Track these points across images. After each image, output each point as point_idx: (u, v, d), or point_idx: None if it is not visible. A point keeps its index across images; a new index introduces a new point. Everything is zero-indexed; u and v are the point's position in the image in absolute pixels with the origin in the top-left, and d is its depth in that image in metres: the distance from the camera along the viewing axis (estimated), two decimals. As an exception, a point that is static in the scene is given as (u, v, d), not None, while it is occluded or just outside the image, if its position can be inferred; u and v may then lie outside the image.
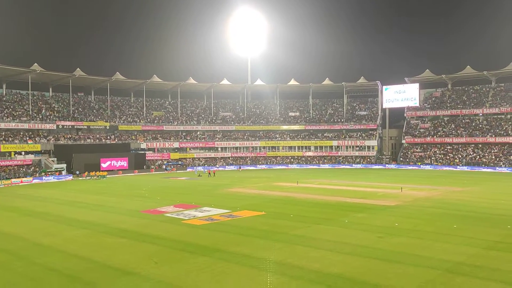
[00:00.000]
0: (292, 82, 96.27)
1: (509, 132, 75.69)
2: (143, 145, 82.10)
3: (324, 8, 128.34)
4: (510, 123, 77.56)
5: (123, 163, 73.48)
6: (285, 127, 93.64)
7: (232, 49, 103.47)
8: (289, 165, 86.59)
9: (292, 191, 42.88)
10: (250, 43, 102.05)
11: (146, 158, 79.08)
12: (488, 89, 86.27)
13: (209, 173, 66.12)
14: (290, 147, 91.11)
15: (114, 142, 79.64)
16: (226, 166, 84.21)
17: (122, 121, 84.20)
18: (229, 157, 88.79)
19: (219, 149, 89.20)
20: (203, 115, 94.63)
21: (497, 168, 70.45)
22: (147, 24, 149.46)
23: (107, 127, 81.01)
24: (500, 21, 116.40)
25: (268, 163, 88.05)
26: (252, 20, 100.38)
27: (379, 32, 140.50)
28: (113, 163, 72.29)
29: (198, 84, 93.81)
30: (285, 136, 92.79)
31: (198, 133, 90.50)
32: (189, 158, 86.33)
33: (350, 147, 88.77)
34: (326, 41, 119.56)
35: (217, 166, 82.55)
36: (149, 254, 19.23)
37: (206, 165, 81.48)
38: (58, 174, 64.94)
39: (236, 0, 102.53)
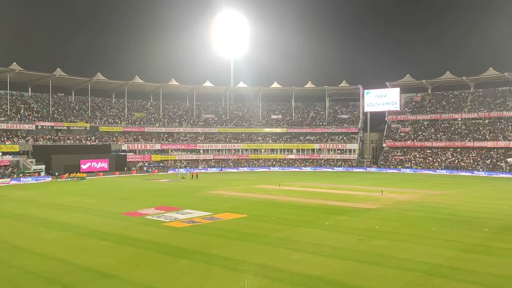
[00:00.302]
0: (275, 85, 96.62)
1: (487, 136, 77.39)
2: (124, 147, 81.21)
3: (306, 12, 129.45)
4: (488, 128, 79.32)
5: (103, 164, 72.54)
6: (267, 130, 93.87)
7: (215, 51, 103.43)
8: (271, 167, 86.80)
9: (274, 194, 42.97)
10: (233, 46, 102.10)
11: (127, 159, 78.24)
12: (467, 94, 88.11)
13: (192, 175, 65.81)
14: (272, 150, 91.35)
15: (95, 143, 78.58)
16: (208, 168, 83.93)
17: (103, 122, 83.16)
18: (211, 159, 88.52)
19: (201, 151, 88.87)
20: (185, 117, 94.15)
21: (475, 172, 71.93)
22: (129, 25, 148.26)
23: (88, 128, 79.92)
24: (479, 28, 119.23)
25: (251, 165, 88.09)
26: (235, 22, 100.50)
27: (361, 37, 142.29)
28: (93, 165, 71.30)
29: (180, 86, 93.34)
30: (267, 138, 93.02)
31: (180, 135, 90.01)
32: (171, 160, 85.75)
33: (331, 150, 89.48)
34: (309, 45, 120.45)
35: (199, 168, 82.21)
36: (129, 257, 19.01)
37: (188, 167, 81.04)
38: (37, 176, 63.70)
39: (219, 2, 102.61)
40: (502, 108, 79.78)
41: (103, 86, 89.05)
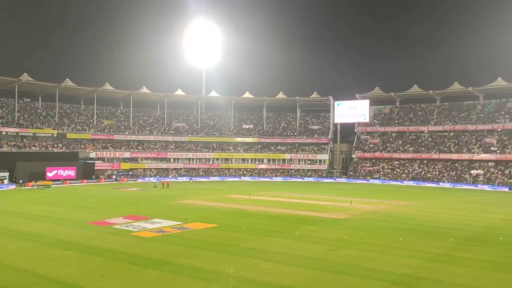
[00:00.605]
0: (247, 94, 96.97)
1: (452, 149, 79.84)
2: (92, 154, 79.43)
3: (280, 23, 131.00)
4: (453, 140, 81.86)
5: (70, 172, 70.65)
6: (238, 139, 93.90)
7: (187, 60, 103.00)
8: (242, 177, 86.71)
9: (244, 204, 42.89)
10: (205, 55, 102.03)
11: (95, 167, 76.50)
12: (433, 107, 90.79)
13: (163, 184, 64.93)
14: (243, 159, 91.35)
15: (62, 150, 76.53)
16: (179, 177, 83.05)
17: (70, 129, 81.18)
18: (181, 168, 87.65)
19: (172, 159, 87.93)
20: (156, 125, 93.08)
21: (440, 183, 73.95)
22: (101, 31, 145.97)
23: (55, 135, 77.83)
24: (446, 44, 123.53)
25: (221, 175, 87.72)
26: (208, 31, 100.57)
27: (332, 49, 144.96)
28: (60, 173, 69.33)
29: (151, 94, 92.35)
30: (238, 148, 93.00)
31: (151, 143, 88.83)
32: (140, 168, 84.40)
33: (302, 161, 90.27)
34: (281, 56, 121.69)
35: (170, 177, 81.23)
36: (95, 267, 18.53)
37: (158, 176, 79.97)
38: (0, 183, 61.40)
39: (192, 11, 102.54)
40: (466, 121, 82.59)
41: (72, 92, 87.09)
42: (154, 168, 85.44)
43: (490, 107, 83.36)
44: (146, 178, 76.86)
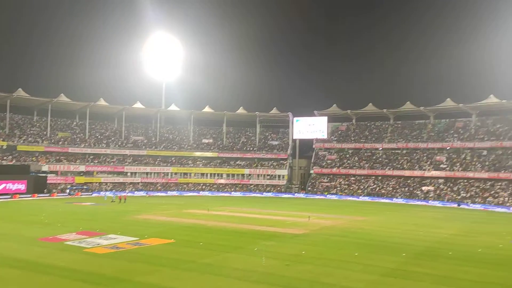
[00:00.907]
0: (207, 109, 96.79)
1: (404, 166, 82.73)
2: (45, 168, 76.32)
3: (241, 39, 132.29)
4: (405, 157, 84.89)
5: (20, 186, 67.48)
6: (198, 154, 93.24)
7: (147, 73, 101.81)
8: (201, 192, 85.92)
9: (202, 219, 42.43)
10: (165, 68, 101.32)
11: (48, 181, 73.48)
12: (387, 125, 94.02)
13: (120, 199, 63.14)
14: (202, 174, 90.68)
15: (12, 163, 73.10)
16: (136, 192, 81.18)
17: (22, 141, 77.82)
18: (139, 183, 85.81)
19: (129, 173, 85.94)
20: (113, 138, 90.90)
21: (394, 199, 76.28)
22: (57, 40, 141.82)
23: (4, 147, 74.34)
24: (400, 65, 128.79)
25: (180, 189, 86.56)
26: (169, 44, 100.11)
27: (292, 66, 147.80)
28: (9, 186, 66.06)
29: (109, 106, 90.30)
30: (197, 162, 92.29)
31: (107, 156, 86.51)
32: (96, 182, 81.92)
33: (261, 176, 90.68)
34: (242, 71, 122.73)
35: (126, 191, 79.22)
36: (42, 286, 17.69)
37: (114, 190, 77.81)
38: None
39: (152, 24, 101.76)
40: (418, 139, 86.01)
41: (24, 103, 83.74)
42: (110, 182, 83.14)
43: (440, 126, 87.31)
44: (102, 192, 74.55)
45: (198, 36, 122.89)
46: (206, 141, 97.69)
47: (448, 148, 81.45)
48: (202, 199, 73.31)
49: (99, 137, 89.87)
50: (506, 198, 66.16)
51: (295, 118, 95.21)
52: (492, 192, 69.13)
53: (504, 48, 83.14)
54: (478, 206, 66.07)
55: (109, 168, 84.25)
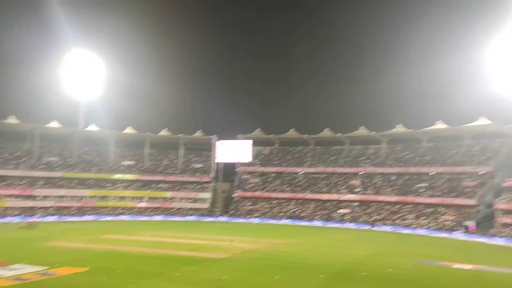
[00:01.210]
0: (129, 130, 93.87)
1: (323, 189, 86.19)
2: None
3: (166, 59, 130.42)
4: (324, 181, 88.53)
5: None
6: (117, 176, 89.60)
7: (65, 90, 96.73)
8: (120, 216, 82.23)
9: (121, 244, 40.68)
10: (85, 86, 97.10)
11: None
12: (307, 150, 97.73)
13: (30, 225, 58.31)
14: (122, 197, 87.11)
15: None
16: (48, 217, 75.59)
17: None
18: (51, 207, 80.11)
19: (40, 197, 80.00)
20: (24, 159, 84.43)
21: (313, 221, 78.80)
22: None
23: None
24: (317, 92, 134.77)
25: (98, 213, 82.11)
26: (89, 62, 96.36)
27: (218, 89, 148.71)
28: None
29: (20, 124, 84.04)
30: (117, 185, 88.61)
31: (16, 178, 79.91)
32: (1, 207, 75.15)
33: (183, 199, 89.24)
34: (166, 92, 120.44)
35: (37, 216, 73.50)
36: None
37: (23, 215, 71.86)
38: None
39: (70, 41, 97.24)
40: (335, 164, 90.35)
41: None
42: (18, 207, 76.67)
43: (355, 152, 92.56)
44: (7, 218, 68.47)
45: (121, 55, 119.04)
46: (127, 163, 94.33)
47: (361, 173, 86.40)
48: (121, 223, 70.23)
49: (8, 157, 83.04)
50: (412, 220, 71.32)
51: (219, 141, 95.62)
52: (400, 215, 74.19)
53: (411, 82, 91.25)
54: (388, 228, 70.36)
55: (17, 191, 77.83)
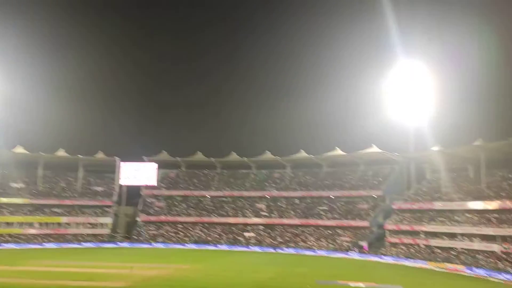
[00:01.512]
0: (19, 149, 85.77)
1: (229, 213, 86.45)
2: None
3: (62, 75, 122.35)
4: (230, 205, 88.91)
5: None
6: (4, 200, 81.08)
7: None
8: (5, 244, 74.05)
9: (4, 276, 36.55)
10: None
11: None
12: (214, 174, 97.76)
13: None
14: (8, 224, 78.78)
15: None
16: None
17: None
18: None
19: None
20: None
21: (219, 245, 78.32)
22: None
23: None
24: (222, 116, 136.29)
25: (-23, 242, 73.23)
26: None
27: (122, 110, 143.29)
28: None
29: None
30: (3, 210, 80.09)
31: None
32: None
33: (81, 224, 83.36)
34: (64, 110, 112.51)
35: None
36: None
37: None
38: None
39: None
40: (242, 188, 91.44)
41: None
42: None
43: (261, 176, 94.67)
44: None
45: (8, 68, 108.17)
46: (16, 185, 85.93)
47: (267, 196, 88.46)
48: (6, 252, 63.34)
49: None
50: (314, 242, 74.35)
51: (123, 163, 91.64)
52: (302, 237, 76.96)
53: (313, 110, 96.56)
54: (291, 250, 72.49)
55: None
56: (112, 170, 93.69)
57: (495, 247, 50.37)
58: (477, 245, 53.24)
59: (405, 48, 72.62)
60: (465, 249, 54.25)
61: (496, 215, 53.94)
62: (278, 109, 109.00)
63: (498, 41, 69.24)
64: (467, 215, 57.63)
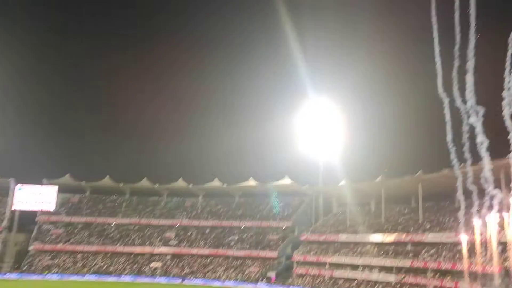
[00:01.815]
0: None
1: (136, 242, 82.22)
2: None
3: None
4: (137, 233, 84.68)
5: None
6: None
7: None
8: None
9: None
10: None
11: None
12: (122, 200, 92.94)
13: None
14: None
15: None
16: None
17: None
18: None
19: None
20: None
21: (122, 276, 73.66)
22: None
23: None
24: (136, 142, 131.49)
25: None
26: None
27: (20, 126, 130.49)
28: None
29: None
30: None
31: None
32: None
33: (-38, 253, 73.95)
34: None
35: None
36: None
37: None
38: None
39: None
40: (151, 216, 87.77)
41: None
42: None
43: (172, 204, 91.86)
44: None
45: None
46: None
47: (177, 225, 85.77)
48: None
49: None
50: (222, 273, 73.03)
51: (17, 186, 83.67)
52: (211, 267, 75.32)
53: (229, 139, 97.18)
54: (199, 281, 70.41)
55: None
56: (5, 193, 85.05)
57: (392, 278, 53.24)
58: (375, 275, 55.92)
59: (314, 84, 76.76)
60: (365, 280, 56.71)
61: (393, 247, 57.36)
62: (194, 136, 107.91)
63: (402, 74, 75.95)
64: (368, 247, 60.62)
